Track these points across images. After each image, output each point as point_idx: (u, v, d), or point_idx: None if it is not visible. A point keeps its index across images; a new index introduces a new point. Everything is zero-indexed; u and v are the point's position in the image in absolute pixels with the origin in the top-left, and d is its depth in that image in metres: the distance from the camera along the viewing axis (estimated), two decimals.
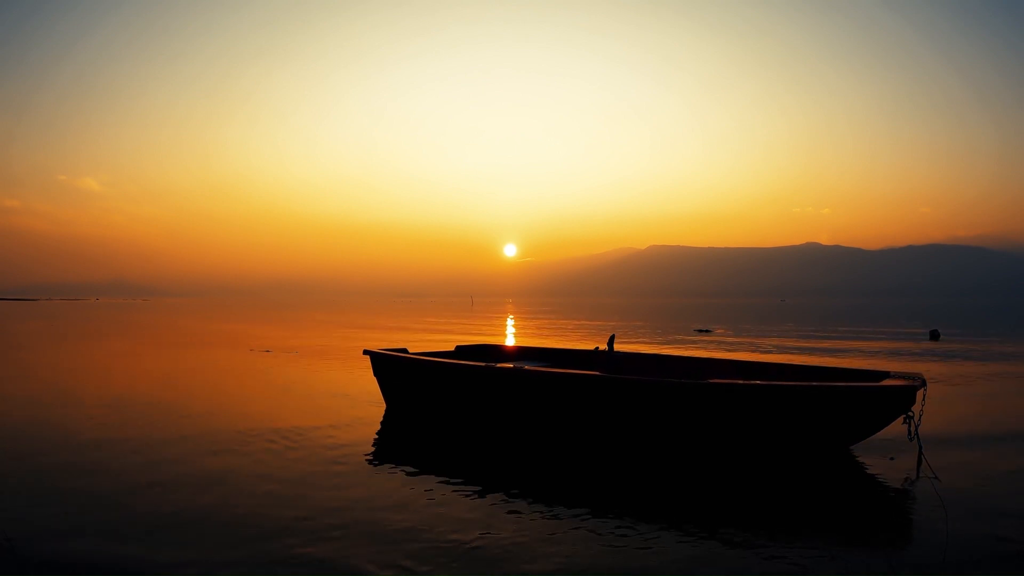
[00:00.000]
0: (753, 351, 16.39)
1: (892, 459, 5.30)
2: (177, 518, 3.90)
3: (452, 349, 8.52)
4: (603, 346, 7.85)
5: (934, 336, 21.28)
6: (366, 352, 7.84)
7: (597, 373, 5.92)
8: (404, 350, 7.87)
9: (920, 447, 5.19)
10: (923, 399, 5.31)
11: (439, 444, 6.02)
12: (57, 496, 4.32)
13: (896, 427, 5.36)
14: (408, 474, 4.92)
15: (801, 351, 16.28)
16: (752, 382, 5.27)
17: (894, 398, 5.12)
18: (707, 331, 25.37)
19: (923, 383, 5.28)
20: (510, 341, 20.85)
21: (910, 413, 5.18)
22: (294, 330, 26.03)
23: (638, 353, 7.77)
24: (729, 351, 16.42)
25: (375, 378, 7.81)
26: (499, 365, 6.56)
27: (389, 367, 7.54)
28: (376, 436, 6.27)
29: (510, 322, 36.26)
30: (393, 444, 6.09)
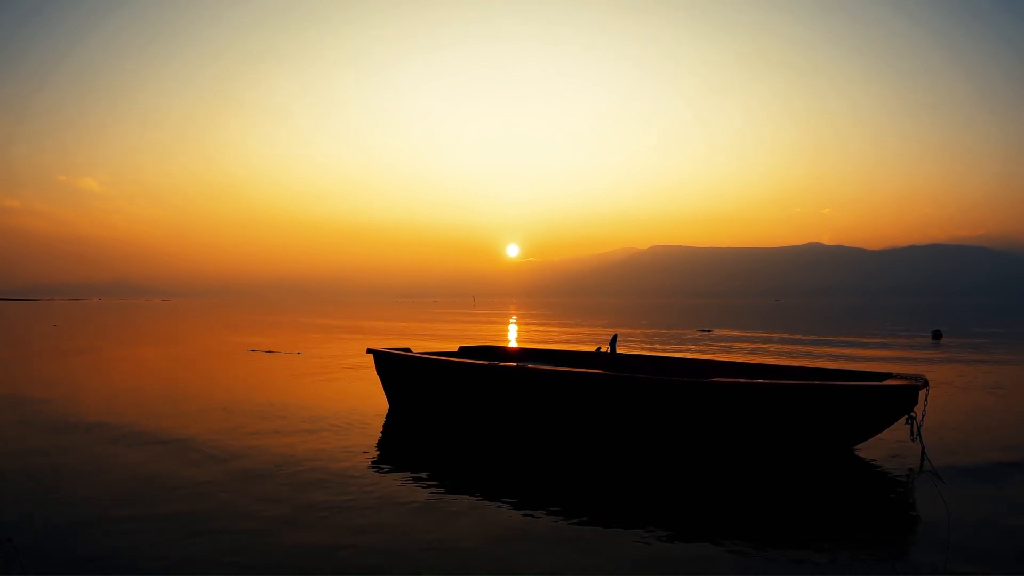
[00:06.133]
0: (755, 352, 16.39)
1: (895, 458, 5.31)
2: (177, 518, 3.90)
3: (455, 350, 8.53)
4: (605, 347, 7.86)
5: (936, 336, 21.27)
6: (369, 351, 7.86)
7: (601, 372, 5.93)
8: (407, 349, 7.88)
9: (923, 447, 5.19)
10: (925, 399, 5.32)
11: (442, 443, 6.04)
12: (58, 497, 4.33)
13: (899, 428, 5.37)
14: (411, 474, 4.93)
15: (802, 352, 16.28)
16: (755, 381, 5.29)
17: (896, 398, 5.13)
18: (708, 331, 25.39)
19: (925, 383, 5.28)
20: (513, 342, 20.87)
21: (912, 413, 5.19)
22: (296, 330, 26.05)
23: (640, 355, 7.79)
24: (730, 352, 16.42)
25: (378, 377, 7.83)
26: (502, 364, 6.58)
27: (392, 366, 7.56)
28: (379, 435, 6.29)
29: (513, 323, 36.27)
30: (396, 443, 6.10)
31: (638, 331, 25.67)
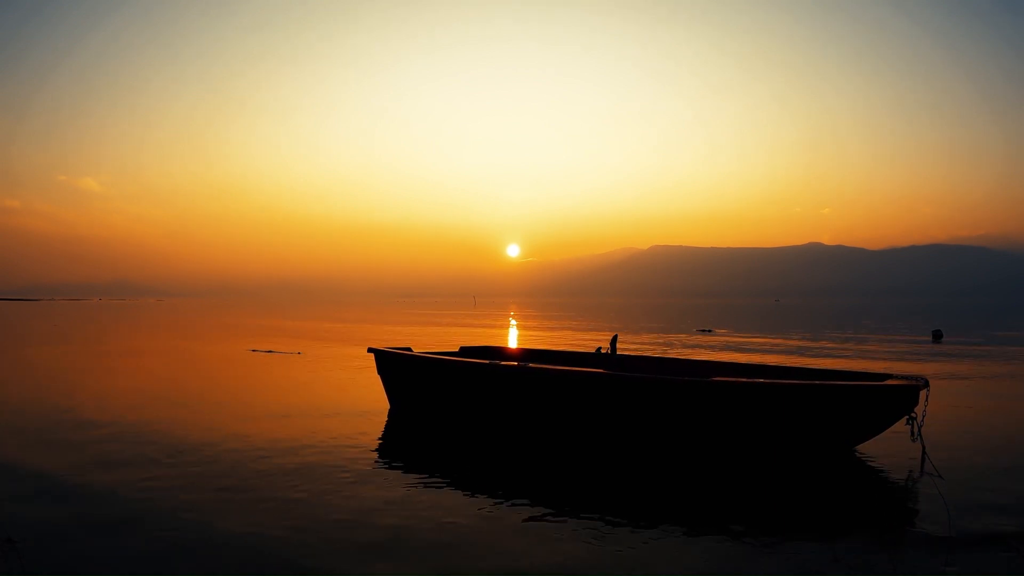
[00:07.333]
0: (755, 352, 16.39)
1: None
2: (178, 519, 3.91)
3: (456, 350, 8.53)
4: (606, 347, 7.85)
5: (937, 337, 21.26)
6: (371, 350, 7.86)
7: (603, 371, 5.93)
8: (408, 349, 7.88)
9: (923, 448, 5.19)
10: (926, 400, 5.32)
11: (443, 443, 6.04)
12: (60, 497, 4.34)
13: (899, 428, 5.37)
14: (412, 474, 4.93)
15: (802, 352, 16.28)
16: (756, 380, 5.29)
17: (897, 398, 5.13)
18: (709, 331, 25.40)
19: (926, 384, 5.28)
20: (513, 342, 20.88)
21: (913, 414, 5.19)
22: (297, 330, 26.06)
23: (640, 355, 7.79)
24: (730, 352, 16.43)
25: (379, 376, 7.83)
26: (503, 363, 6.58)
27: (393, 365, 7.56)
28: (380, 435, 6.29)
29: (513, 324, 36.29)
30: (397, 443, 6.11)
31: (639, 332, 25.67)
